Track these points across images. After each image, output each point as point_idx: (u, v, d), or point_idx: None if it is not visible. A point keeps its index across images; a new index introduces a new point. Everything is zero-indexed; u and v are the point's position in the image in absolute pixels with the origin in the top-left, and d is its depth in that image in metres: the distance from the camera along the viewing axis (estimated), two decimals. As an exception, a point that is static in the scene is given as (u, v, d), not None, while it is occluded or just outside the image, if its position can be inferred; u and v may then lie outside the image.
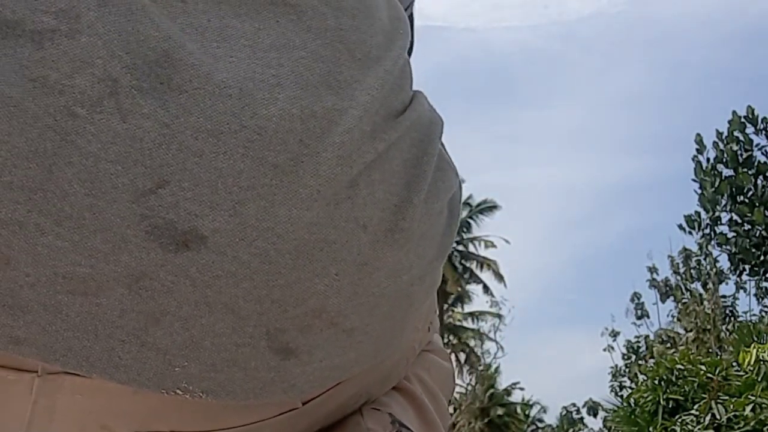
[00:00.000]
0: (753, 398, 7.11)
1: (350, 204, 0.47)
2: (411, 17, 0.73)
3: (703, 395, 7.76)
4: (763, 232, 15.80)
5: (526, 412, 23.19)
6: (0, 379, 0.46)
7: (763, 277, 16.11)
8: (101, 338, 0.44)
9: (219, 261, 0.44)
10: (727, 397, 7.51)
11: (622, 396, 13.54)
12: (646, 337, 17.63)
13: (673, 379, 8.25)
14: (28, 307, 0.43)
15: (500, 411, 21.86)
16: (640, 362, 15.98)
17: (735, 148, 16.06)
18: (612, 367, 17.69)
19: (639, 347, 17.43)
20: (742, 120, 16.15)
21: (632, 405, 8.69)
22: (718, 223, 16.41)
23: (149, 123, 0.42)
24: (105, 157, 0.42)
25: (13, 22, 0.43)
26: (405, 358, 0.60)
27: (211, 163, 0.43)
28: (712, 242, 16.59)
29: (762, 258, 15.93)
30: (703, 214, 16.55)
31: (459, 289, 23.70)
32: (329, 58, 0.48)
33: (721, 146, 16.30)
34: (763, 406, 7.03)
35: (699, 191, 16.50)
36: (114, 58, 0.43)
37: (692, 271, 16.98)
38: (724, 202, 16.20)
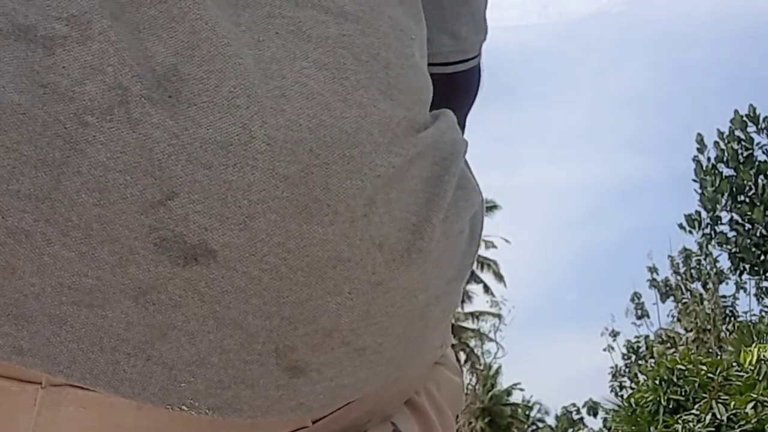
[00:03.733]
0: (754, 396, 7.13)
1: (366, 222, 0.46)
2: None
3: (704, 395, 7.77)
4: (764, 231, 15.82)
5: (527, 413, 23.22)
6: (3, 390, 0.45)
7: (764, 277, 16.13)
8: (106, 351, 0.43)
9: (228, 276, 0.43)
10: (728, 397, 7.53)
11: (622, 396, 13.58)
12: (646, 337, 17.67)
13: (674, 379, 8.26)
14: (32, 317, 0.42)
15: (507, 411, 21.87)
16: (640, 362, 16.02)
17: (735, 146, 16.07)
18: (612, 367, 17.74)
19: (639, 347, 17.47)
20: (744, 119, 16.16)
21: (633, 405, 8.72)
22: (719, 222, 16.43)
23: (159, 133, 0.42)
24: (114, 167, 0.41)
25: (26, 27, 0.42)
26: (422, 376, 0.59)
27: (220, 176, 0.42)
28: (713, 242, 16.61)
29: (762, 257, 15.94)
30: (704, 214, 16.57)
31: (459, 289, 23.64)
32: (332, 65, 0.47)
33: (722, 145, 16.31)
34: (765, 404, 7.05)
35: (699, 191, 16.51)
36: (125, 66, 0.42)
37: (692, 271, 17.02)
38: (724, 201, 16.21)
